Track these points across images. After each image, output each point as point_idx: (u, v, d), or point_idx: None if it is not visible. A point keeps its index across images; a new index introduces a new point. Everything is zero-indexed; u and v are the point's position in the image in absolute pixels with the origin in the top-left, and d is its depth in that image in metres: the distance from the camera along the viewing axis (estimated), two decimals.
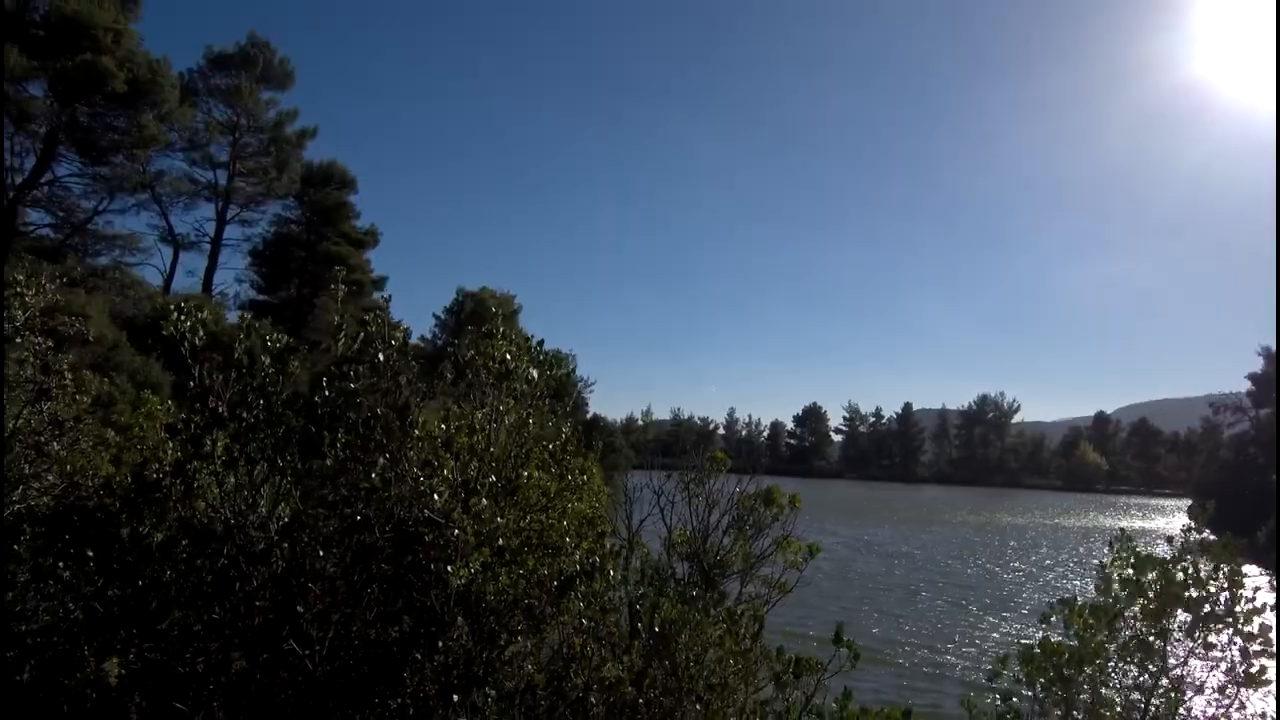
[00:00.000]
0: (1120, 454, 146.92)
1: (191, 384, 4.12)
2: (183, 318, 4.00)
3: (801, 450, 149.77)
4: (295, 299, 44.55)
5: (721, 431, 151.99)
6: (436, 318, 56.79)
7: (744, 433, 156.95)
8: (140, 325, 27.93)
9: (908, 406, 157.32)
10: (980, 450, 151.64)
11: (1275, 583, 6.61)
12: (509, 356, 4.55)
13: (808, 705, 4.29)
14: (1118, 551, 6.65)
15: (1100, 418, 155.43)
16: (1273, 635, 6.14)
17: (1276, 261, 24.75)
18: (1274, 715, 5.97)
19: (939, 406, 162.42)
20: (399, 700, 4.19)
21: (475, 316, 52.76)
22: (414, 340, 4.79)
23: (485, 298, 56.34)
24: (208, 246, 43.80)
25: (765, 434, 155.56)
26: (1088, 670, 6.35)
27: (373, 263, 48.90)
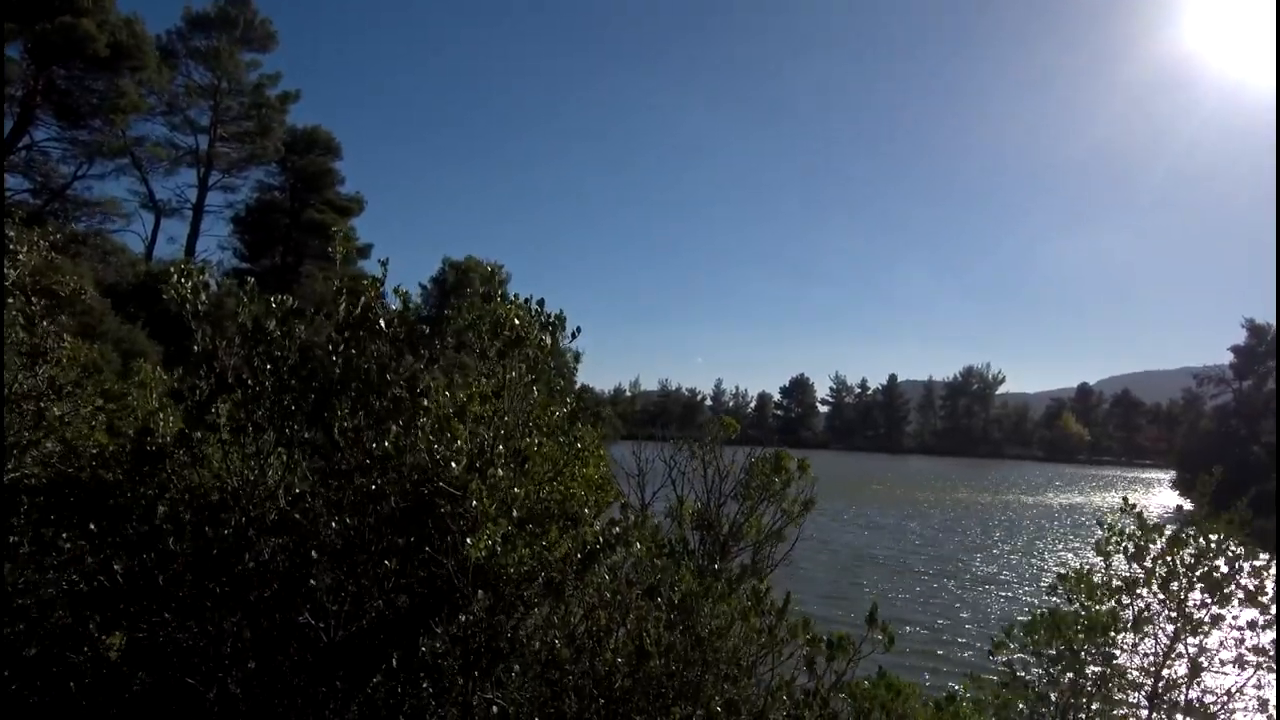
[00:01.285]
0: (1102, 425, 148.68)
1: (195, 349, 3.93)
2: (184, 280, 3.80)
3: (788, 421, 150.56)
4: (279, 267, 43.88)
5: (709, 403, 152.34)
6: (423, 287, 56.19)
7: (731, 404, 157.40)
8: (123, 292, 27.42)
9: (893, 378, 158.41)
10: (965, 421, 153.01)
11: (1275, 556, 6.64)
12: (518, 321, 4.39)
13: (837, 683, 4.21)
14: (1116, 527, 6.64)
15: (1083, 389, 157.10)
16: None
17: (1276, 249, 24.76)
18: (1275, 691, 6.02)
19: (925, 378, 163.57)
20: (414, 672, 4.09)
21: (460, 286, 52.34)
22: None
23: (470, 267, 55.80)
24: (189, 213, 42.99)
25: (753, 405, 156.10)
26: (1098, 640, 6.36)
27: (357, 230, 48.19)
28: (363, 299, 4.31)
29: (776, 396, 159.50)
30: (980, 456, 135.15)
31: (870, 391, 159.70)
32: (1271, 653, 5.94)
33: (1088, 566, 6.72)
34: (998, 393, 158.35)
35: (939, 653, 16.71)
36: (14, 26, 29.67)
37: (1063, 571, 6.93)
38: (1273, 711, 5.98)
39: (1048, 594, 7.18)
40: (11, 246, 4.29)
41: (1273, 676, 5.91)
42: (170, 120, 40.75)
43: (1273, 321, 56.35)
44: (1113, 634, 6.20)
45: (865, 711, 4.36)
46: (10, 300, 4.27)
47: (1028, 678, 6.51)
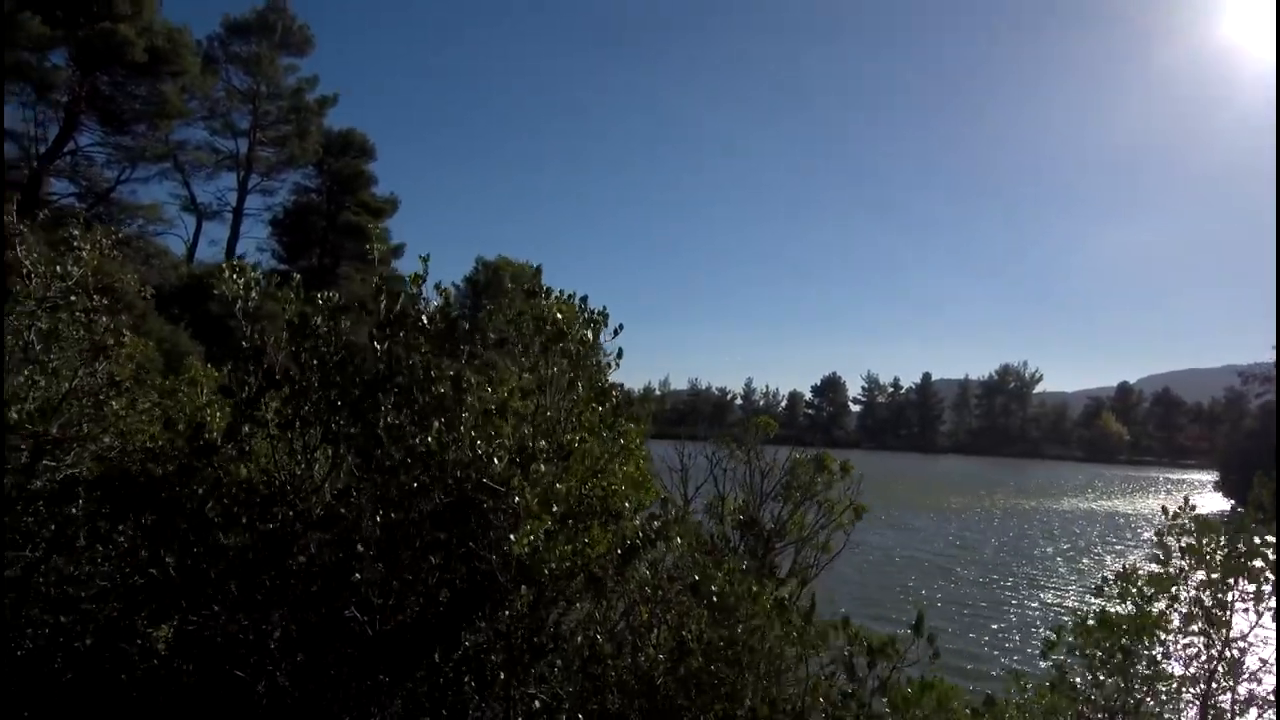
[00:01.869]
0: (1142, 424, 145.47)
1: (244, 345, 4.01)
2: (236, 277, 3.88)
3: (820, 420, 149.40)
4: (316, 268, 44.60)
5: (739, 402, 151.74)
6: (456, 287, 56.73)
7: (762, 403, 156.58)
8: (167, 294, 28.06)
9: (927, 376, 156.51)
10: (1001, 420, 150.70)
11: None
12: (559, 316, 4.40)
13: (881, 687, 4.16)
14: (1175, 521, 6.48)
15: (1123, 388, 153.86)
16: None
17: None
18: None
19: (960, 376, 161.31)
20: (457, 667, 4.13)
21: (493, 285, 52.77)
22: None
23: (502, 267, 56.24)
24: (230, 216, 43.89)
25: (784, 404, 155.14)
26: (1147, 641, 6.22)
27: (390, 231, 48.83)
28: (403, 295, 4.36)
29: (808, 396, 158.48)
30: (1017, 456, 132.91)
31: (904, 390, 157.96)
32: None
33: (1136, 566, 6.58)
34: (1035, 391, 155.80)
35: (977, 655, 16.45)
36: (59, 33, 30.50)
37: (1109, 574, 6.79)
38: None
39: (1095, 595, 7.04)
40: (75, 245, 4.41)
41: None
42: (211, 125, 41.67)
43: None
44: (1162, 635, 6.06)
45: (912, 719, 4.30)
46: (73, 299, 4.39)
47: (1075, 680, 6.39)
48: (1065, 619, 6.96)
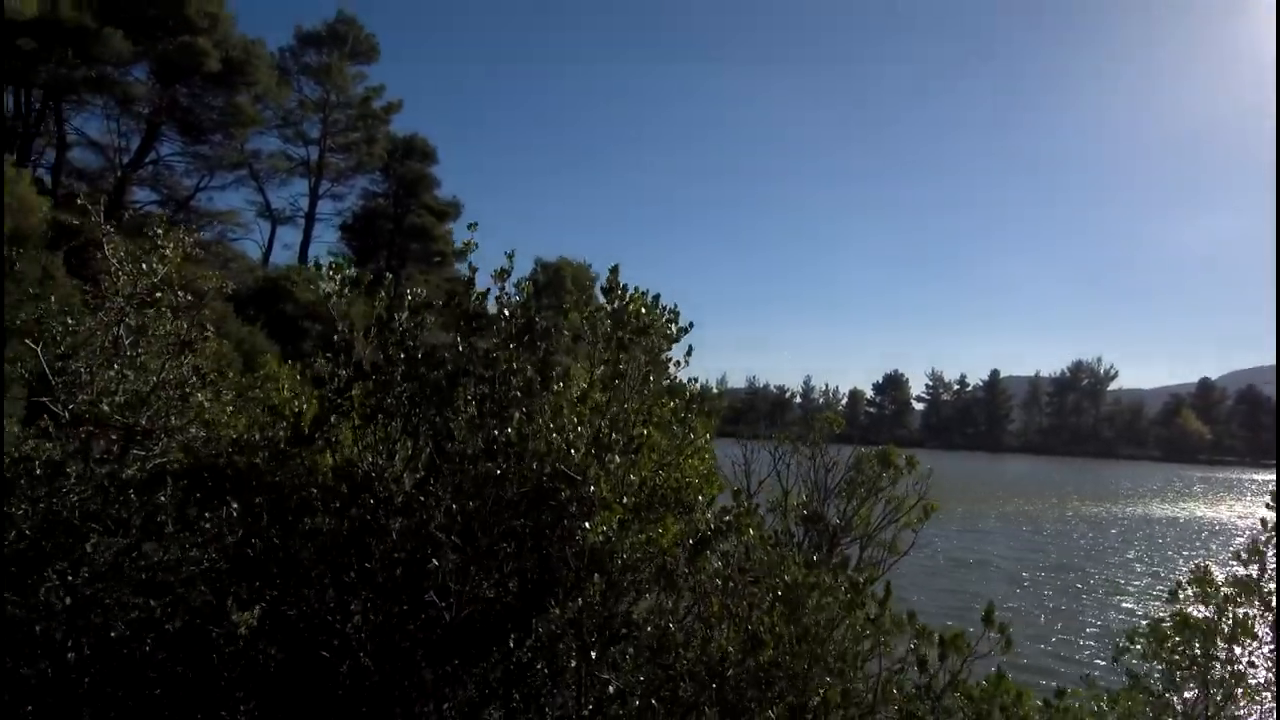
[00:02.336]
0: (1225, 423, 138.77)
1: (335, 338, 4.18)
2: (331, 273, 4.06)
3: (881, 419, 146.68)
4: (384, 270, 45.77)
5: (798, 400, 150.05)
6: (519, 285, 57.39)
7: (821, 401, 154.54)
8: (243, 297, 29.18)
9: (995, 373, 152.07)
10: (1073, 419, 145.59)
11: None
12: (643, 310, 4.45)
13: (952, 682, 4.09)
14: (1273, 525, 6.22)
15: (1204, 384, 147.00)
16: None
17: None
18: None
19: (1030, 373, 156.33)
20: (529, 654, 4.20)
21: (552, 286, 53.29)
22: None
23: (562, 267, 56.76)
24: (302, 221, 45.44)
25: (844, 402, 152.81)
26: (1227, 646, 5.99)
27: (454, 233, 49.81)
28: (487, 290, 4.48)
29: (869, 393, 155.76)
30: (1090, 456, 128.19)
31: (970, 388, 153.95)
32: None
33: (1209, 568, 6.34)
34: (1110, 389, 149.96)
35: (1048, 664, 15.92)
36: (140, 47, 31.99)
37: (1183, 579, 6.55)
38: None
39: (1170, 599, 6.79)
40: (159, 244, 4.63)
41: None
42: (284, 133, 43.19)
43: None
44: (1244, 639, 5.82)
45: (985, 713, 4.20)
46: (159, 295, 4.61)
47: (1151, 684, 6.19)
48: (1141, 624, 6.73)
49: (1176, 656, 6.12)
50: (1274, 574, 6.07)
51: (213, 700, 4.41)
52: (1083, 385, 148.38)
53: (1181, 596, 6.44)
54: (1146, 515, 46.07)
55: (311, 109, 43.41)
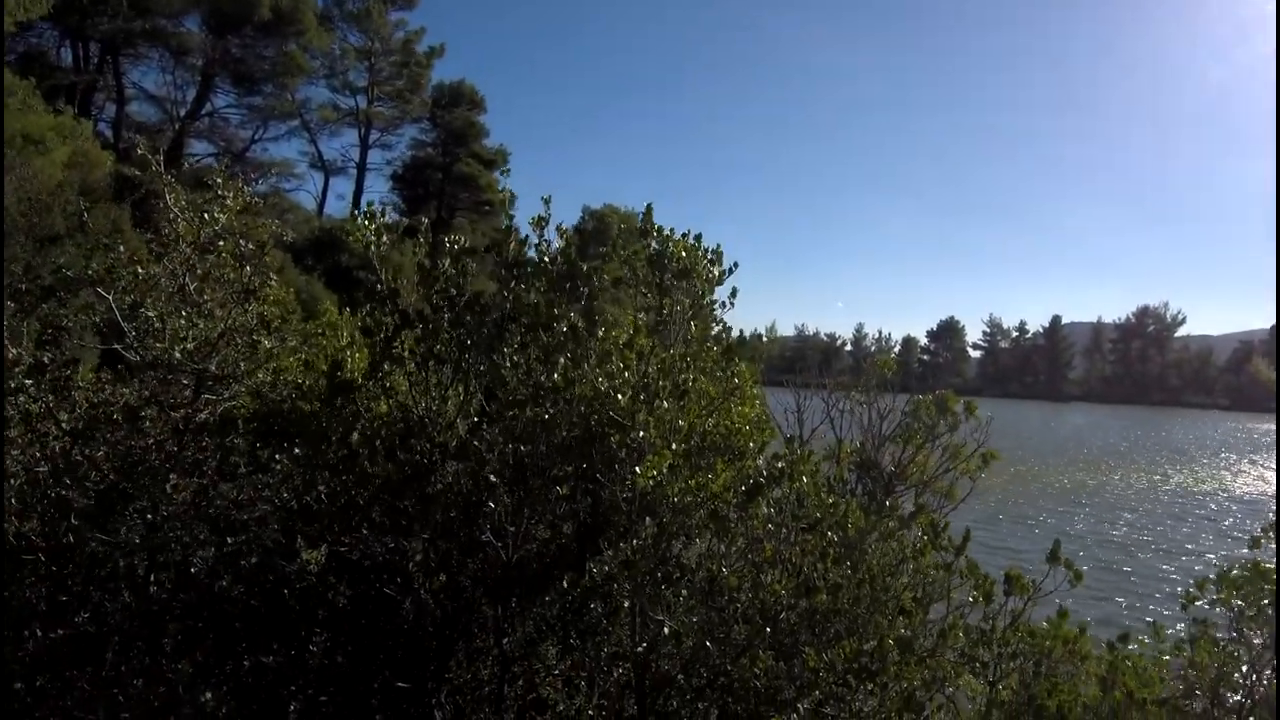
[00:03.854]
0: None
1: (379, 288, 4.21)
2: (367, 223, 4.07)
3: (935, 367, 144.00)
4: (435, 220, 46.19)
5: (849, 348, 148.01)
6: (559, 231, 57.32)
7: (873, 349, 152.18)
8: (300, 247, 29.80)
9: (1056, 319, 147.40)
10: (1138, 366, 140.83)
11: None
12: (685, 254, 4.38)
13: (1014, 623, 4.05)
14: None
15: (1278, 330, 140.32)
16: None
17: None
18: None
19: (1093, 319, 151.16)
20: (584, 594, 4.30)
21: (600, 234, 53.09)
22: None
23: (608, 215, 56.43)
24: (354, 171, 45.94)
25: (896, 349, 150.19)
26: None
27: (501, 182, 49.59)
28: (526, 237, 4.46)
29: (923, 341, 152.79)
30: (1154, 405, 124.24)
31: (1029, 335, 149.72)
32: None
33: None
34: (1177, 335, 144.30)
35: (1106, 618, 15.67)
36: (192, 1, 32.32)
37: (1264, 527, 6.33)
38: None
39: (1252, 547, 6.58)
40: (220, 193, 4.72)
41: None
42: (331, 83, 43.37)
43: None
44: None
45: (1047, 650, 4.18)
46: (221, 243, 4.71)
47: (1217, 634, 6.06)
48: (1210, 572, 6.56)
49: (1243, 604, 5.97)
50: None
51: (286, 632, 4.64)
52: (1148, 331, 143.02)
53: (1262, 543, 6.25)
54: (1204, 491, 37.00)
55: (356, 56, 43.42)
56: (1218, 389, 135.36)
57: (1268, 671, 5.85)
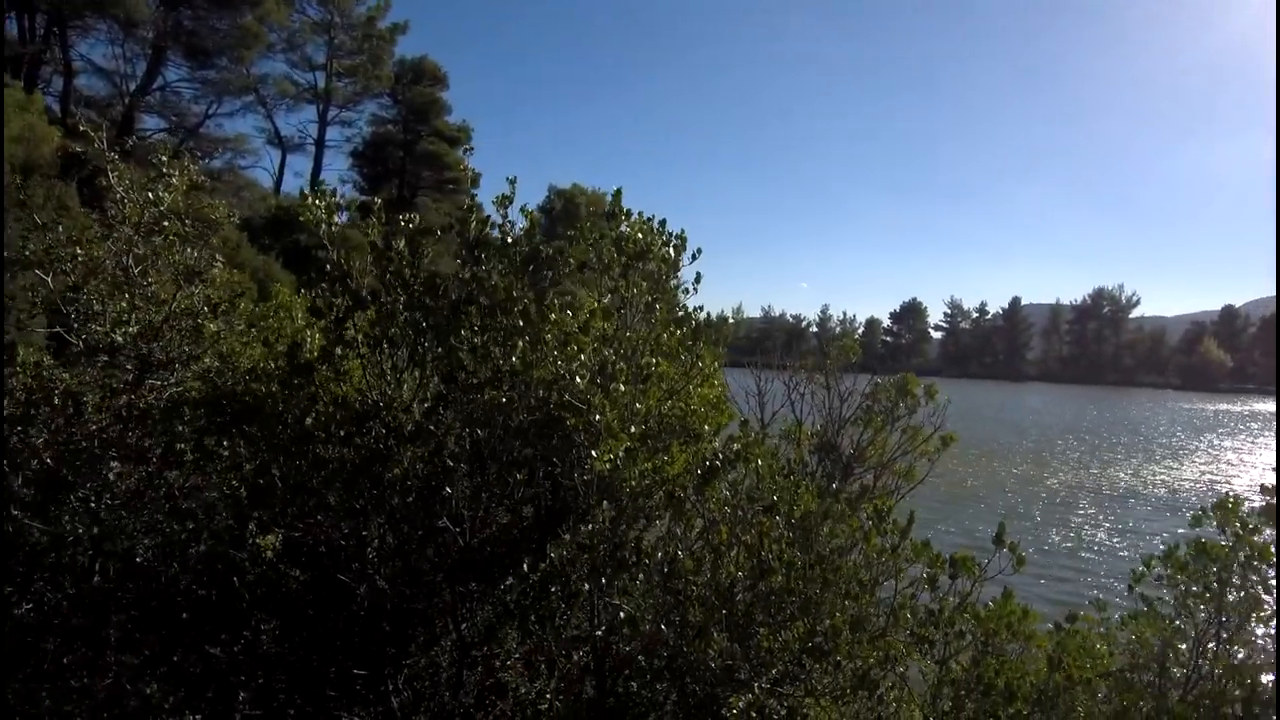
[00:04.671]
0: (1248, 350, 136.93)
1: (329, 269, 4.11)
2: (318, 202, 3.95)
3: (898, 348, 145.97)
4: (396, 198, 45.40)
5: (815, 329, 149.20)
6: (524, 212, 56.87)
7: (837, 330, 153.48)
8: (256, 226, 29.11)
9: (1015, 301, 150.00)
10: (1093, 347, 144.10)
11: (1276, 533, 6.04)
12: (641, 235, 4.34)
13: (962, 605, 4.13)
14: None
15: (1227, 311, 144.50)
16: None
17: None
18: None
19: (1051, 301, 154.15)
20: (543, 578, 4.28)
21: (567, 214, 52.73)
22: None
23: (576, 194, 56.05)
24: (312, 148, 44.91)
25: (860, 331, 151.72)
26: (1248, 575, 6.00)
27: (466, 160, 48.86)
28: (489, 217, 4.38)
29: (886, 322, 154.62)
30: (1109, 384, 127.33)
31: (990, 316, 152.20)
32: None
33: (1241, 498, 6.28)
34: (1132, 316, 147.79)
35: (1053, 594, 16.08)
36: None
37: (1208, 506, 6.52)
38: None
39: (1193, 525, 6.77)
40: (164, 172, 4.56)
41: None
42: (289, 57, 42.26)
43: None
44: (1265, 566, 5.81)
45: (992, 632, 4.26)
46: (166, 224, 4.56)
47: (1163, 610, 6.24)
48: (1156, 551, 6.75)
49: (1189, 581, 6.15)
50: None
51: (237, 621, 4.56)
52: (1104, 313, 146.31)
53: (1204, 522, 6.42)
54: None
55: (315, 30, 42.33)
56: (1170, 369, 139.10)
57: (1211, 645, 6.06)
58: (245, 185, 37.22)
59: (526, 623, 4.45)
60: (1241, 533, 6.06)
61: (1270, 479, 6.05)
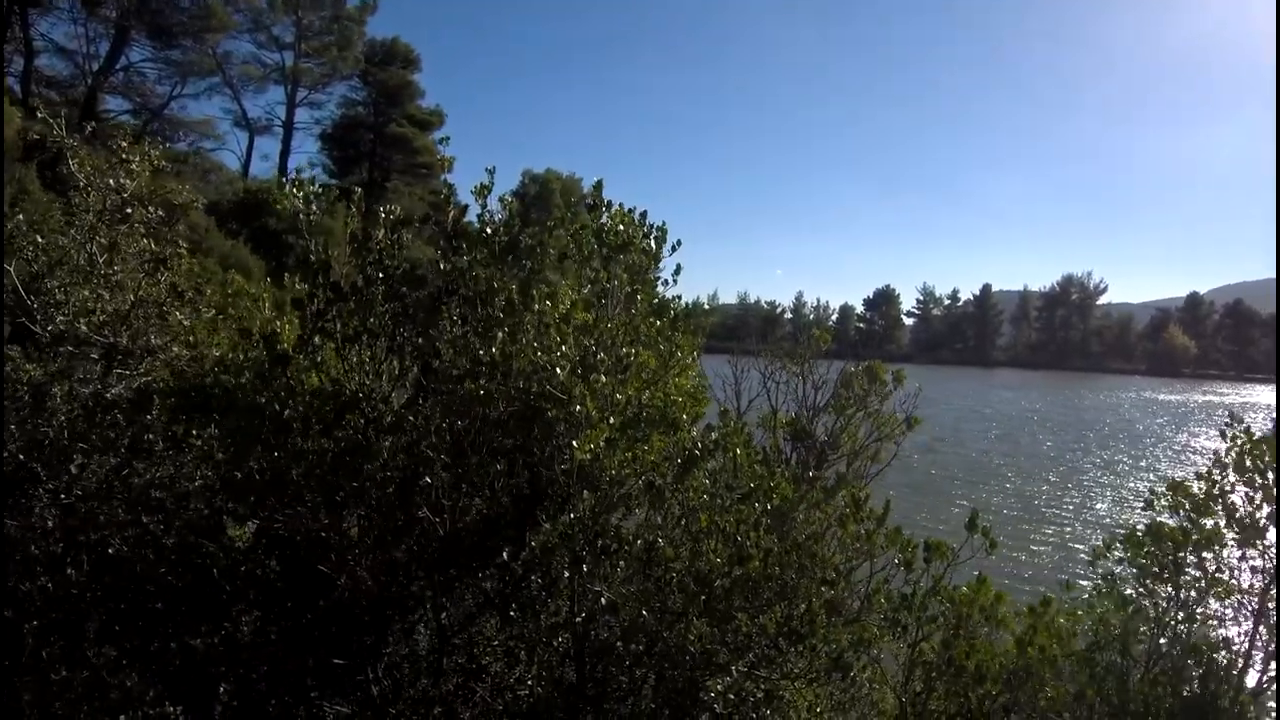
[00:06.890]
0: (1211, 337, 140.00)
1: (310, 259, 4.06)
2: (296, 191, 3.90)
3: (871, 334, 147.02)
4: (367, 183, 44.78)
5: (789, 315, 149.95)
6: (503, 201, 56.41)
7: (812, 316, 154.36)
8: (224, 210, 28.58)
9: (986, 288, 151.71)
10: (1061, 333, 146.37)
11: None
12: (622, 227, 4.34)
13: (934, 589, 4.22)
14: (1233, 434, 6.30)
15: (1193, 299, 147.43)
16: None
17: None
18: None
19: (1020, 288, 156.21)
20: (523, 567, 4.30)
21: (541, 200, 52.34)
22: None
23: (550, 180, 55.60)
24: (280, 130, 44.11)
25: (834, 317, 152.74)
26: (1203, 555, 6.16)
27: (438, 144, 48.30)
28: (466, 206, 4.35)
29: (859, 309, 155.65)
30: (1077, 370, 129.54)
31: (961, 303, 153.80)
32: None
33: (1187, 481, 6.46)
34: (1100, 303, 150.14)
35: (1024, 572, 16.47)
36: None
37: (1160, 487, 6.69)
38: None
39: (1146, 507, 6.95)
40: (125, 157, 4.47)
41: None
42: (256, 38, 41.41)
43: None
44: (1217, 547, 5.99)
45: (964, 616, 4.36)
46: (129, 211, 4.47)
47: (1125, 590, 6.41)
48: (1117, 531, 6.92)
49: (1147, 561, 6.32)
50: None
51: (214, 612, 4.52)
52: (1072, 300, 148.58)
53: (1156, 505, 6.59)
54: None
55: (283, 10, 41.47)
56: (1137, 355, 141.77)
57: (1170, 622, 6.23)
58: (212, 168, 36.52)
59: (507, 611, 4.46)
60: (1195, 517, 6.24)
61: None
